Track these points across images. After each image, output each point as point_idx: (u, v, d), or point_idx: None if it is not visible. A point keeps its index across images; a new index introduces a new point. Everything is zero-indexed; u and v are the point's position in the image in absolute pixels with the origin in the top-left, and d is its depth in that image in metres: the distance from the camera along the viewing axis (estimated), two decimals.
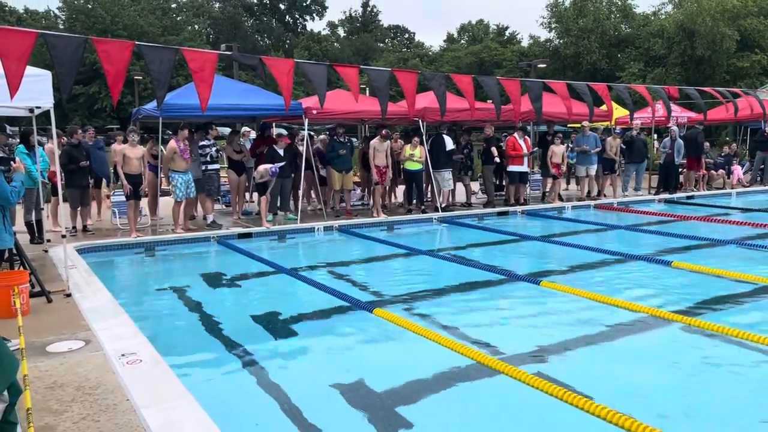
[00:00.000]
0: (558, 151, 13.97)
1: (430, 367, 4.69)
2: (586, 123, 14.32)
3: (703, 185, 16.92)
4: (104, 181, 12.19)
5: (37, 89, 6.42)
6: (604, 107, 14.55)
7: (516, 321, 6.11)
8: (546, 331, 5.60)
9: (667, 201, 15.09)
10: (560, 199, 14.58)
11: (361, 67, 11.18)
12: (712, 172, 17.49)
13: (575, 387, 4.21)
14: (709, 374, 4.72)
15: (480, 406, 4.22)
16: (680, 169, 16.58)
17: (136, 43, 8.11)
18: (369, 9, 76.47)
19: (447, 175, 12.91)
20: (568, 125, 17.94)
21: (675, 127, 15.98)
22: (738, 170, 18.07)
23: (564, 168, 14.70)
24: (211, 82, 8.64)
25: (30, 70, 6.34)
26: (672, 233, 10.34)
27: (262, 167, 10.72)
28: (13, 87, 6.13)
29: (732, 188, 17.24)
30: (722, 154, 18.17)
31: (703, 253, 8.92)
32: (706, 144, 17.29)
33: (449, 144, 12.80)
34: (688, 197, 15.50)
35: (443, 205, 12.89)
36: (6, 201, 5.45)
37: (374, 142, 12.09)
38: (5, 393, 2.69)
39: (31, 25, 42.18)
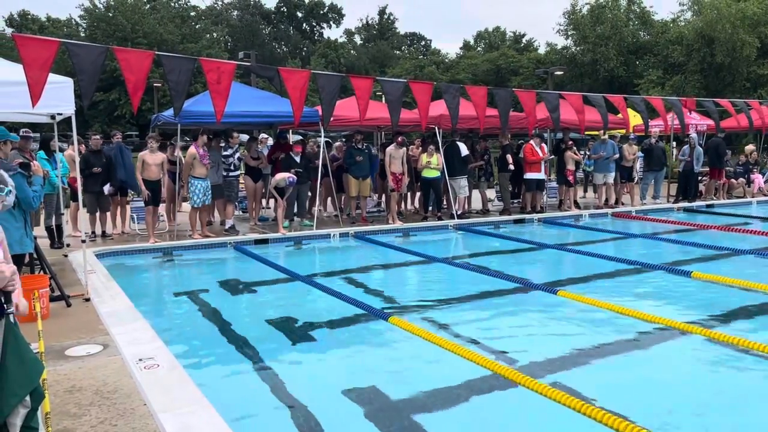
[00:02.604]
0: (570, 157, 13.92)
1: (445, 376, 4.67)
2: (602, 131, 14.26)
3: (723, 194, 16.72)
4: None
5: (59, 96, 6.52)
6: (620, 114, 14.49)
7: (532, 331, 6.05)
8: (563, 341, 5.55)
9: (686, 209, 14.92)
10: (577, 206, 14.49)
11: (377, 78, 11.24)
12: (732, 180, 17.28)
13: (592, 398, 4.17)
14: (729, 388, 4.65)
15: (495, 416, 4.19)
16: (699, 178, 16.40)
17: (156, 52, 8.22)
18: (386, 16, 76.81)
19: (462, 182, 12.89)
20: (585, 133, 17.86)
21: (694, 135, 15.82)
22: (759, 179, 17.84)
23: (578, 174, 14.64)
24: (227, 95, 8.77)
25: (52, 78, 6.44)
26: (691, 242, 10.23)
27: (279, 175, 10.78)
28: (35, 94, 6.23)
29: (752, 197, 17.02)
30: (740, 163, 17.95)
31: (723, 263, 8.81)
32: (728, 152, 17.09)
33: (464, 150, 12.81)
34: (708, 206, 15.31)
35: (458, 213, 12.87)
36: (29, 206, 5.53)
37: (390, 148, 12.11)
38: (27, 398, 2.72)
39: (53, 33, 42.92)
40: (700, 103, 16.52)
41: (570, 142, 14.28)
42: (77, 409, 3.88)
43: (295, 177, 10.62)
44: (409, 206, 14.27)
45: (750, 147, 18.31)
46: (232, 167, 11.40)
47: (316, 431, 3.84)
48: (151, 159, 10.24)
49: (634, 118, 17.02)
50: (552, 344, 5.46)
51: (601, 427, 3.79)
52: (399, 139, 12.11)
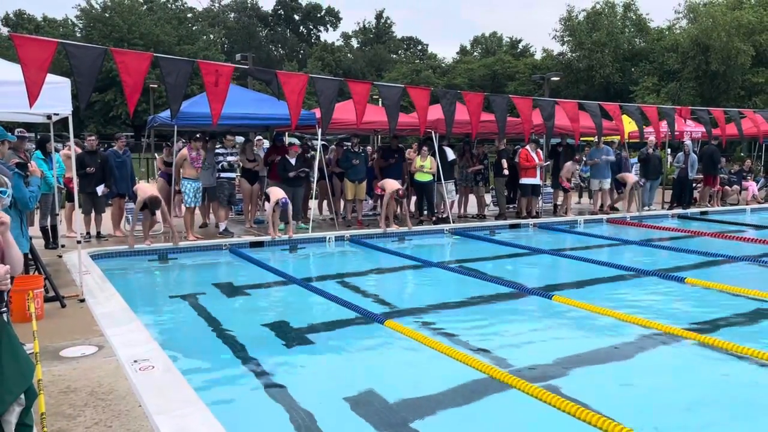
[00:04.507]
0: (567, 167, 13.97)
1: (440, 379, 4.68)
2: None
3: (717, 201, 16.81)
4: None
5: (56, 96, 6.50)
6: (614, 121, 14.59)
7: (527, 335, 6.08)
8: (557, 345, 5.58)
9: (680, 216, 15.00)
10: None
11: (374, 83, 11.25)
12: (727, 187, 17.38)
13: (586, 402, 4.18)
14: (721, 392, 4.68)
15: (490, 420, 4.20)
16: (694, 185, 16.49)
17: (154, 54, 8.21)
18: (383, 20, 76.91)
19: (449, 186, 12.95)
20: (581, 139, 17.97)
21: (689, 142, 15.91)
22: (753, 186, 17.95)
23: (573, 182, 14.71)
24: (224, 97, 8.77)
25: (49, 78, 6.42)
26: (685, 249, 10.27)
27: (274, 193, 10.59)
28: (33, 95, 6.22)
29: (747, 204, 17.11)
30: (733, 171, 18.04)
31: (716, 270, 8.85)
32: (723, 159, 17.16)
33: (450, 155, 12.86)
34: (702, 213, 15.39)
35: (444, 216, 12.93)
36: (25, 206, 5.51)
37: (391, 187, 11.59)
38: (22, 396, 2.73)
39: (48, 33, 42.81)
40: (693, 112, 16.63)
41: (568, 147, 14.31)
42: (72, 410, 3.87)
43: (288, 199, 10.54)
44: (403, 210, 14.26)
45: None
46: (220, 167, 11.23)
47: None
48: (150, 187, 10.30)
49: (630, 125, 17.09)
50: (546, 348, 5.49)
51: (594, 431, 3.82)
52: (401, 191, 11.61)
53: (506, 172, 13.49)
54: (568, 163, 14.06)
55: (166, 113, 11.35)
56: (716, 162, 16.17)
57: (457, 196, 13.88)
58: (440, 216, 13.06)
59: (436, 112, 12.40)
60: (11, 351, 2.73)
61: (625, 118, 15.53)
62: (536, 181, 13.61)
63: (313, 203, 12.65)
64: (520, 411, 4.25)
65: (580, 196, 18.01)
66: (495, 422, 4.17)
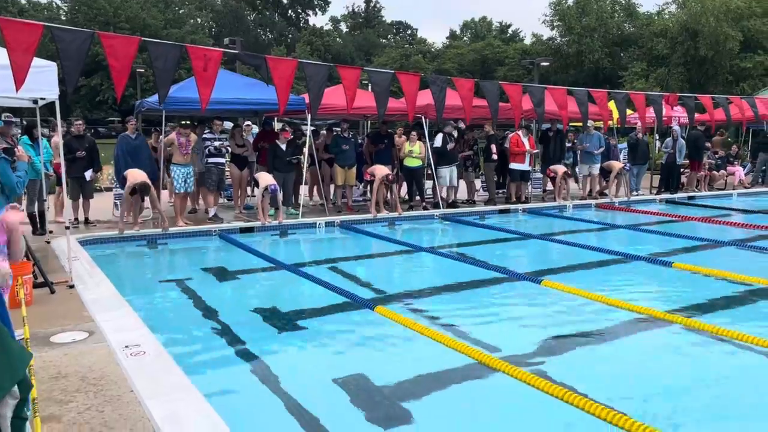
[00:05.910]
0: (559, 170, 13.92)
1: (430, 365, 4.72)
2: (591, 123, 14.36)
3: (705, 186, 16.94)
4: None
5: (43, 80, 6.42)
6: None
7: (516, 320, 6.13)
8: (546, 330, 5.63)
9: (668, 201, 15.11)
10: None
11: (365, 68, 11.17)
12: (714, 172, 17.50)
13: (575, 386, 4.24)
14: (708, 375, 4.76)
15: (480, 404, 4.25)
16: (682, 170, 16.59)
17: (143, 39, 8.11)
18: (372, 4, 76.40)
19: (441, 171, 12.94)
20: (570, 124, 17.96)
21: (677, 127, 15.98)
22: (740, 171, 18.09)
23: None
24: (213, 82, 8.69)
25: (36, 62, 6.34)
26: (673, 234, 10.37)
27: (263, 179, 10.57)
28: (19, 79, 6.14)
29: (734, 189, 17.26)
30: (717, 156, 18.13)
31: (703, 254, 8.95)
32: (708, 144, 17.25)
33: (437, 141, 12.83)
34: (689, 198, 15.52)
35: (435, 201, 12.95)
36: (13, 191, 5.44)
37: (380, 173, 11.63)
38: (15, 389, 2.70)
39: (33, 16, 42.14)
40: (681, 98, 16.70)
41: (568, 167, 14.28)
42: (63, 395, 3.87)
43: (277, 185, 10.51)
44: (394, 196, 14.26)
45: None
46: (207, 152, 11.06)
47: (303, 417, 3.87)
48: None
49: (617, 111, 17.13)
50: (535, 333, 5.54)
51: (584, 415, 3.87)
52: (390, 176, 11.73)
53: (495, 157, 13.52)
54: (561, 172, 13.89)
55: (153, 98, 11.24)
56: (700, 147, 16.25)
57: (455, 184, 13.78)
58: (432, 201, 13.06)
59: (425, 98, 12.37)
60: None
61: (612, 103, 15.56)
62: (525, 166, 13.63)
63: (303, 189, 12.62)
64: (509, 395, 4.29)
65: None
66: (484, 407, 4.21)
